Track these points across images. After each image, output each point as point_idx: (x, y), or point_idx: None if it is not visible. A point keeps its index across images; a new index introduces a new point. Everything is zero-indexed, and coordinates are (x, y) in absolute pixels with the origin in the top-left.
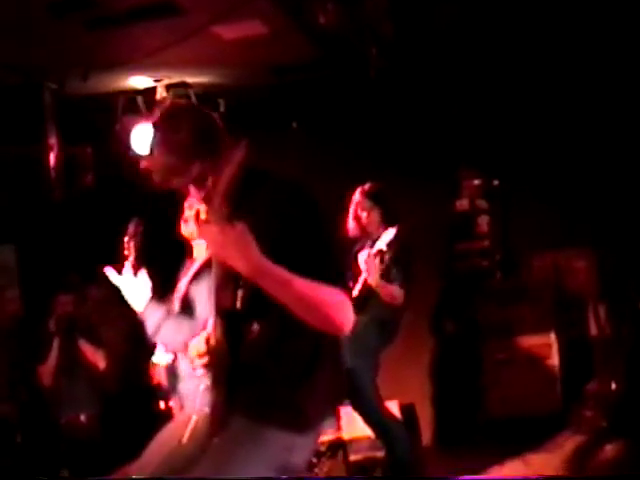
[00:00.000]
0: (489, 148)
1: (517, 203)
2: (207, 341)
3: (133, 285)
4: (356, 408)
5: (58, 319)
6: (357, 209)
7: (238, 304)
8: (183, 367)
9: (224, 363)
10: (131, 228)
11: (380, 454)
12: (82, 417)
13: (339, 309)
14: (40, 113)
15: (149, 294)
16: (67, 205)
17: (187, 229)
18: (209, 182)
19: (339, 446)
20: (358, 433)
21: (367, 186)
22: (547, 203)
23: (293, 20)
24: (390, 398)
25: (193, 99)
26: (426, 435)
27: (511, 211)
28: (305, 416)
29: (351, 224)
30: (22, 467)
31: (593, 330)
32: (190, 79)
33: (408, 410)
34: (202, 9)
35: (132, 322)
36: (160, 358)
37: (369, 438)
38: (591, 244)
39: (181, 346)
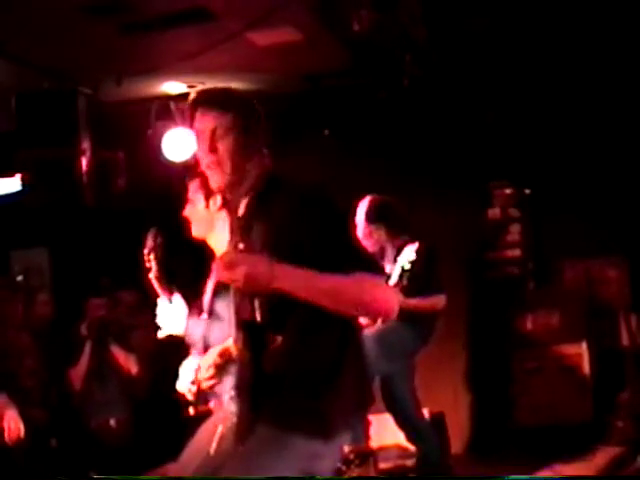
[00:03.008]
0: (521, 157)
1: (549, 212)
2: (215, 365)
3: (171, 311)
4: (390, 410)
5: (90, 323)
6: (364, 232)
7: (257, 315)
8: None
9: (247, 373)
10: (150, 240)
11: (410, 462)
12: (112, 422)
13: (376, 291)
14: (74, 118)
15: (186, 312)
16: (99, 209)
17: (190, 210)
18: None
19: (368, 454)
20: (387, 441)
21: (366, 206)
22: (579, 212)
23: (327, 27)
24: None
25: None
26: (456, 443)
27: (543, 220)
28: (329, 424)
29: (365, 242)
30: (52, 471)
31: (625, 340)
32: (223, 85)
33: (438, 418)
34: (236, 15)
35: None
36: (193, 362)
37: (398, 446)
38: (623, 253)
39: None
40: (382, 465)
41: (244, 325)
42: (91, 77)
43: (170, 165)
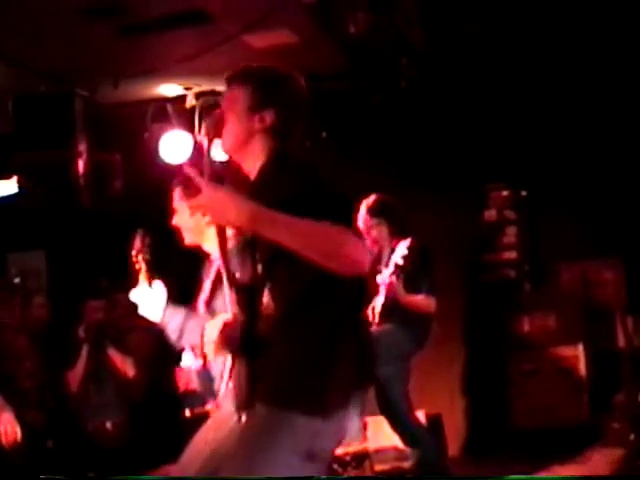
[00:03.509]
0: (518, 159)
1: (545, 214)
2: (221, 330)
3: (149, 296)
4: (384, 414)
5: (88, 326)
6: (365, 226)
7: (257, 278)
8: (217, 367)
9: (242, 335)
10: (138, 241)
11: (406, 464)
12: (108, 424)
13: (350, 244)
14: (71, 120)
15: (165, 301)
16: (96, 211)
17: (178, 219)
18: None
19: (365, 456)
20: (384, 443)
21: (370, 202)
22: (575, 214)
23: (323, 30)
24: (417, 408)
25: None
26: (453, 445)
27: (539, 222)
28: (327, 400)
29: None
30: (49, 473)
31: (621, 342)
32: (220, 87)
33: (435, 420)
34: (232, 18)
35: (159, 330)
36: (189, 363)
37: (395, 448)
38: (620, 255)
39: None
40: (378, 467)
41: (242, 289)
42: (88, 79)
43: (167, 167)
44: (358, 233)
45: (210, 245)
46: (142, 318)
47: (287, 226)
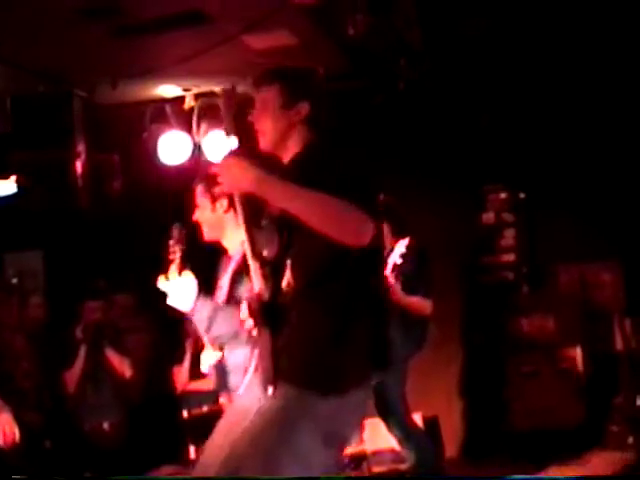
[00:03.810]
0: (516, 160)
1: (543, 216)
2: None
3: (180, 286)
4: (382, 416)
5: (86, 327)
6: None
7: (282, 255)
8: (231, 361)
9: (268, 311)
10: (175, 233)
11: (403, 466)
12: (105, 425)
13: (352, 214)
14: (69, 120)
15: (196, 292)
16: (94, 211)
17: (199, 214)
18: None
19: (362, 458)
20: (381, 445)
21: None
22: (574, 216)
23: (322, 31)
24: (414, 410)
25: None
26: (450, 447)
27: (537, 224)
28: (344, 378)
29: None
30: (46, 474)
31: (619, 344)
32: (218, 88)
33: (431, 423)
34: (231, 19)
35: (157, 330)
36: (209, 356)
37: (392, 450)
38: (618, 257)
39: (232, 336)
40: (376, 469)
41: (268, 264)
42: (86, 80)
43: (165, 168)
44: (373, 213)
45: (229, 241)
46: (140, 319)
47: (293, 193)
